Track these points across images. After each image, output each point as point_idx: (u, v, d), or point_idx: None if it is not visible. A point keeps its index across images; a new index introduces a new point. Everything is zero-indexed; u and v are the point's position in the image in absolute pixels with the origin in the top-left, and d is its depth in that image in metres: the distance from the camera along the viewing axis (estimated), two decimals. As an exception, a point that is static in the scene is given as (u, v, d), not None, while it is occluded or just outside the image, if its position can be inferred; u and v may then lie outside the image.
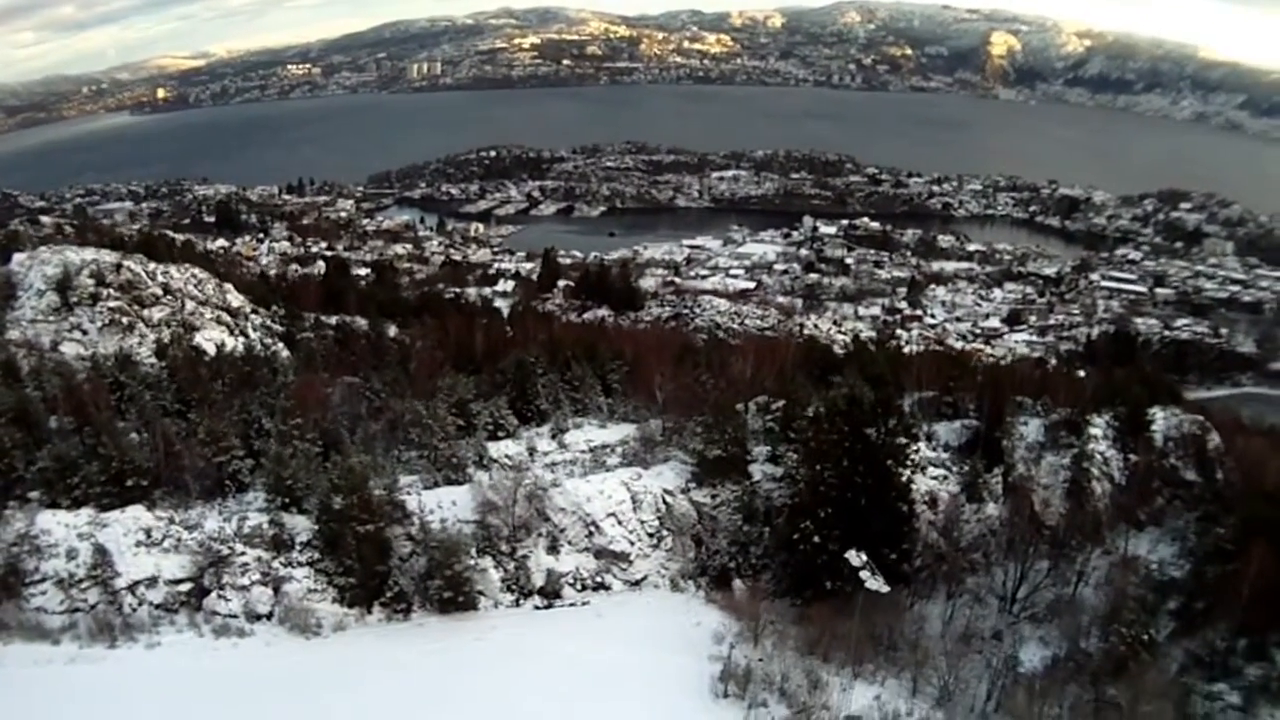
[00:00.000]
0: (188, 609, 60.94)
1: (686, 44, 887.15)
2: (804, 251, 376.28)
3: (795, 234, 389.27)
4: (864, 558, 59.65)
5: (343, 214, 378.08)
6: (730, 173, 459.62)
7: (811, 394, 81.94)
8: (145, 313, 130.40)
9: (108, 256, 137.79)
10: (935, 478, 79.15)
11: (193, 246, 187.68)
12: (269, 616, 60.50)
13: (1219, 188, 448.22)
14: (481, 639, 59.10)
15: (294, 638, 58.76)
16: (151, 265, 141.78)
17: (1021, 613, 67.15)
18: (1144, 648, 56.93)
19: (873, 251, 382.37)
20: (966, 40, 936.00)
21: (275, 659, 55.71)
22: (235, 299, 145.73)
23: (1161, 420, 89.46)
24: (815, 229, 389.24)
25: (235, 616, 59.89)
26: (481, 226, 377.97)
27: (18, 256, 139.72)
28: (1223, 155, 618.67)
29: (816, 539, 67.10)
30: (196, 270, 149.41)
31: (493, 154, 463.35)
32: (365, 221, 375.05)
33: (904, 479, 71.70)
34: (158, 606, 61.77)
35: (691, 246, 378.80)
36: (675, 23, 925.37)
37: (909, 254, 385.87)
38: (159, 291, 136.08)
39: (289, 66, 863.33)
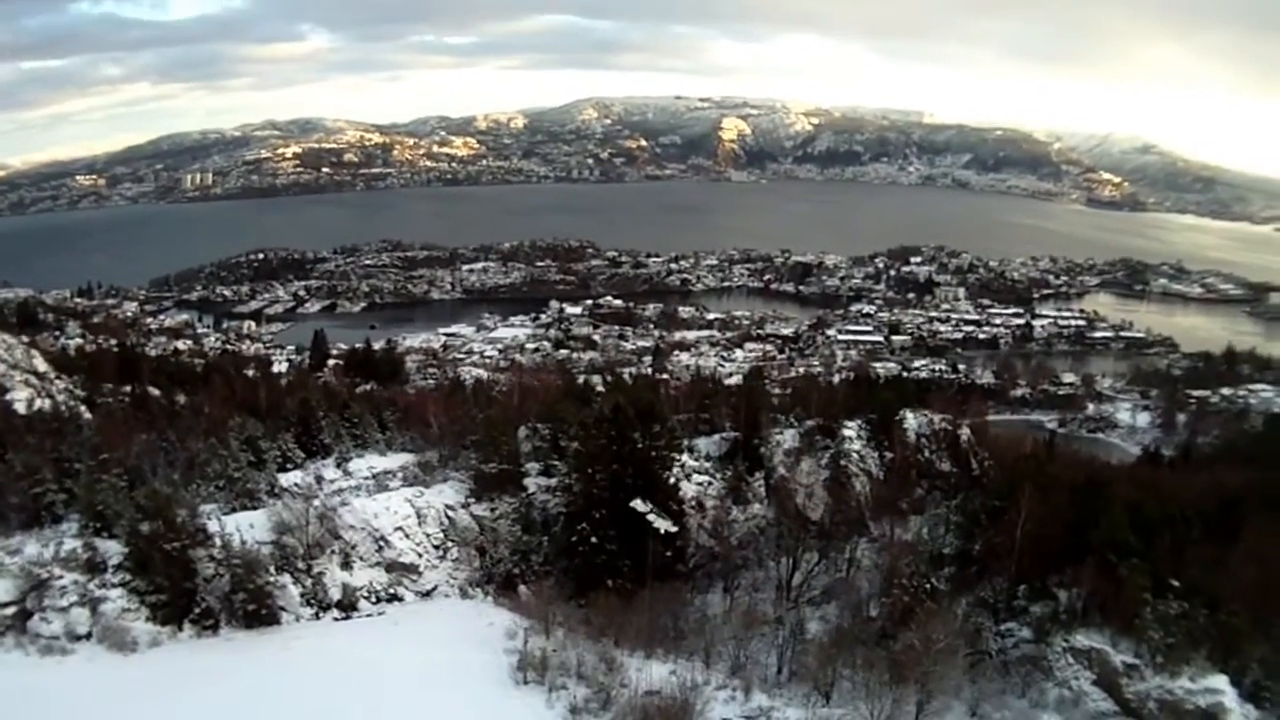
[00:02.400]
0: (14, 631, 62.70)
1: (436, 148, 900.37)
2: (553, 332, 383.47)
3: (543, 316, 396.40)
4: (648, 504, 64.35)
5: (128, 314, 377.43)
6: (480, 265, 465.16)
7: (577, 414, 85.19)
8: None
9: None
10: (700, 484, 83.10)
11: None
12: (89, 636, 62.34)
13: (948, 240, 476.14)
14: (287, 648, 61.24)
15: (113, 655, 60.60)
16: None
17: (799, 598, 70.72)
18: (927, 596, 62.14)
19: (617, 327, 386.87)
20: (699, 128, 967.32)
21: (96, 675, 57.44)
22: (41, 365, 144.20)
23: (913, 420, 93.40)
24: (562, 310, 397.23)
25: (58, 637, 61.63)
26: (254, 324, 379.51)
27: None
28: (951, 211, 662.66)
29: (594, 540, 71.17)
30: (7, 336, 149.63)
31: (261, 257, 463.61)
32: (149, 320, 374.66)
33: (671, 481, 76.59)
34: None
35: (447, 334, 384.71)
36: (425, 128, 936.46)
37: (652, 326, 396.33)
38: None
39: (78, 178, 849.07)
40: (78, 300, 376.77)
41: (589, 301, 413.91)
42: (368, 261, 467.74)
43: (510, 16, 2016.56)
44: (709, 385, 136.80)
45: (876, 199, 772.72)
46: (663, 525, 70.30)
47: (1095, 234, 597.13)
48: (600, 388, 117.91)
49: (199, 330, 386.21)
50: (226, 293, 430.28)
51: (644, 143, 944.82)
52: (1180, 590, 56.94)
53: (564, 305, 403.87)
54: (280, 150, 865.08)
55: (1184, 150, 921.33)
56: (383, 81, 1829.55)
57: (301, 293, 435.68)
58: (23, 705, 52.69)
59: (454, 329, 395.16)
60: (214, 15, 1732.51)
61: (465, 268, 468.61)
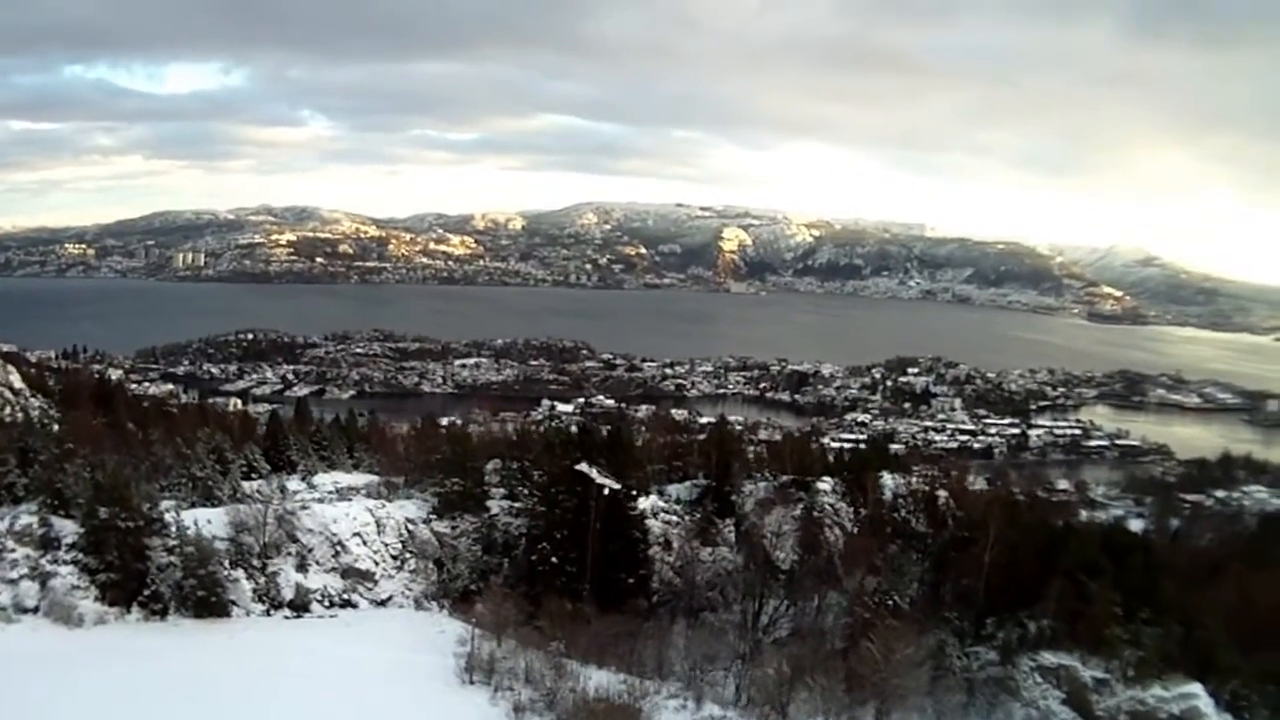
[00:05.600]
0: None
1: (432, 245, 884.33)
2: (544, 428, 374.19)
3: (534, 414, 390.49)
4: (599, 472, 63.31)
5: (113, 378, 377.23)
6: (472, 360, 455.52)
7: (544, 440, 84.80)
8: None
9: None
10: (668, 523, 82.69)
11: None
12: (35, 610, 61.36)
13: (946, 353, 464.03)
14: (234, 638, 60.32)
15: (58, 628, 59.64)
16: None
17: (763, 638, 69.27)
18: (889, 614, 60.80)
19: (609, 426, 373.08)
20: (700, 237, 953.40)
21: (38, 643, 56.57)
22: (18, 382, 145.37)
23: (890, 480, 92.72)
24: (553, 408, 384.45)
25: (4, 609, 60.64)
26: (239, 403, 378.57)
27: None
28: (951, 325, 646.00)
29: (554, 560, 70.56)
30: None
31: (250, 337, 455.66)
32: (133, 386, 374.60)
33: (636, 511, 75.76)
34: None
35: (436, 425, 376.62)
36: (422, 225, 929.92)
37: (643, 428, 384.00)
38: None
39: (67, 246, 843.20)
40: (63, 361, 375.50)
41: (581, 401, 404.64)
42: (359, 350, 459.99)
43: (513, 114, 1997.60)
44: (682, 435, 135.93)
45: (876, 312, 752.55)
46: (608, 484, 69.47)
47: (1095, 347, 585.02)
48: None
49: (183, 401, 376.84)
50: (214, 370, 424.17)
51: (643, 250, 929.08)
52: (1154, 608, 56.34)
53: (556, 404, 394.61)
54: (275, 236, 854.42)
55: (1186, 262, 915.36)
56: (381, 174, 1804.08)
57: (290, 376, 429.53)
58: None
59: (443, 421, 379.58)
60: (211, 93, 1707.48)
61: (458, 362, 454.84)
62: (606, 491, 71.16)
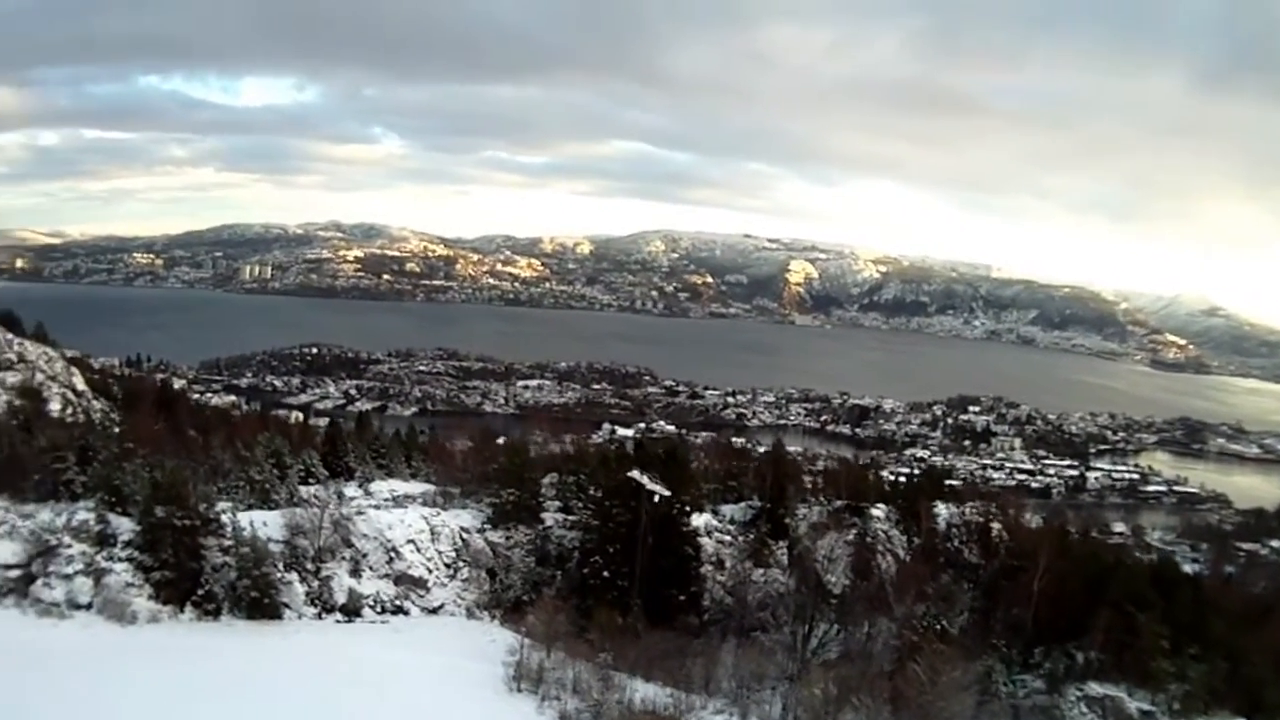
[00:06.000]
0: (16, 594, 62.26)
1: (500, 266, 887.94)
2: None
3: (595, 437, 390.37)
4: (650, 479, 63.27)
5: (176, 386, 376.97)
6: (535, 382, 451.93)
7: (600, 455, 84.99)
8: (1, 375, 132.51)
9: None
10: (721, 543, 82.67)
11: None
12: (89, 607, 61.87)
13: (1008, 393, 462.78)
14: (286, 639, 60.75)
15: (110, 624, 60.11)
16: (9, 335, 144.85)
17: (812, 659, 68.79)
18: (938, 637, 60.59)
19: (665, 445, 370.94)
20: (766, 268, 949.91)
21: (91, 638, 57.00)
22: (80, 384, 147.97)
23: (944, 510, 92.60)
24: (614, 432, 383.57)
25: (58, 604, 61.13)
26: (300, 416, 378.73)
27: None
28: (1013, 365, 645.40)
29: (606, 574, 70.55)
30: (49, 350, 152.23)
31: (314, 352, 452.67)
32: (195, 396, 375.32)
33: (689, 525, 75.90)
34: None
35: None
36: (490, 246, 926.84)
37: (703, 455, 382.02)
38: (14, 358, 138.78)
39: (135, 255, 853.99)
40: (127, 369, 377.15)
41: (642, 426, 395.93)
42: (422, 367, 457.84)
43: (584, 139, 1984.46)
44: (737, 455, 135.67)
45: (940, 350, 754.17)
46: (658, 490, 69.46)
47: (1157, 394, 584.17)
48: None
49: (244, 412, 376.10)
50: (277, 383, 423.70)
51: (710, 279, 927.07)
52: (1202, 644, 56.00)
53: (617, 428, 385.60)
54: (342, 252, 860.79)
55: (1250, 314, 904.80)
56: (451, 194, 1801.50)
57: (353, 391, 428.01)
58: (15, 659, 52.21)
59: (501, 441, 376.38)
60: (284, 108, 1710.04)
61: (521, 383, 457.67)
62: (657, 499, 71.19)
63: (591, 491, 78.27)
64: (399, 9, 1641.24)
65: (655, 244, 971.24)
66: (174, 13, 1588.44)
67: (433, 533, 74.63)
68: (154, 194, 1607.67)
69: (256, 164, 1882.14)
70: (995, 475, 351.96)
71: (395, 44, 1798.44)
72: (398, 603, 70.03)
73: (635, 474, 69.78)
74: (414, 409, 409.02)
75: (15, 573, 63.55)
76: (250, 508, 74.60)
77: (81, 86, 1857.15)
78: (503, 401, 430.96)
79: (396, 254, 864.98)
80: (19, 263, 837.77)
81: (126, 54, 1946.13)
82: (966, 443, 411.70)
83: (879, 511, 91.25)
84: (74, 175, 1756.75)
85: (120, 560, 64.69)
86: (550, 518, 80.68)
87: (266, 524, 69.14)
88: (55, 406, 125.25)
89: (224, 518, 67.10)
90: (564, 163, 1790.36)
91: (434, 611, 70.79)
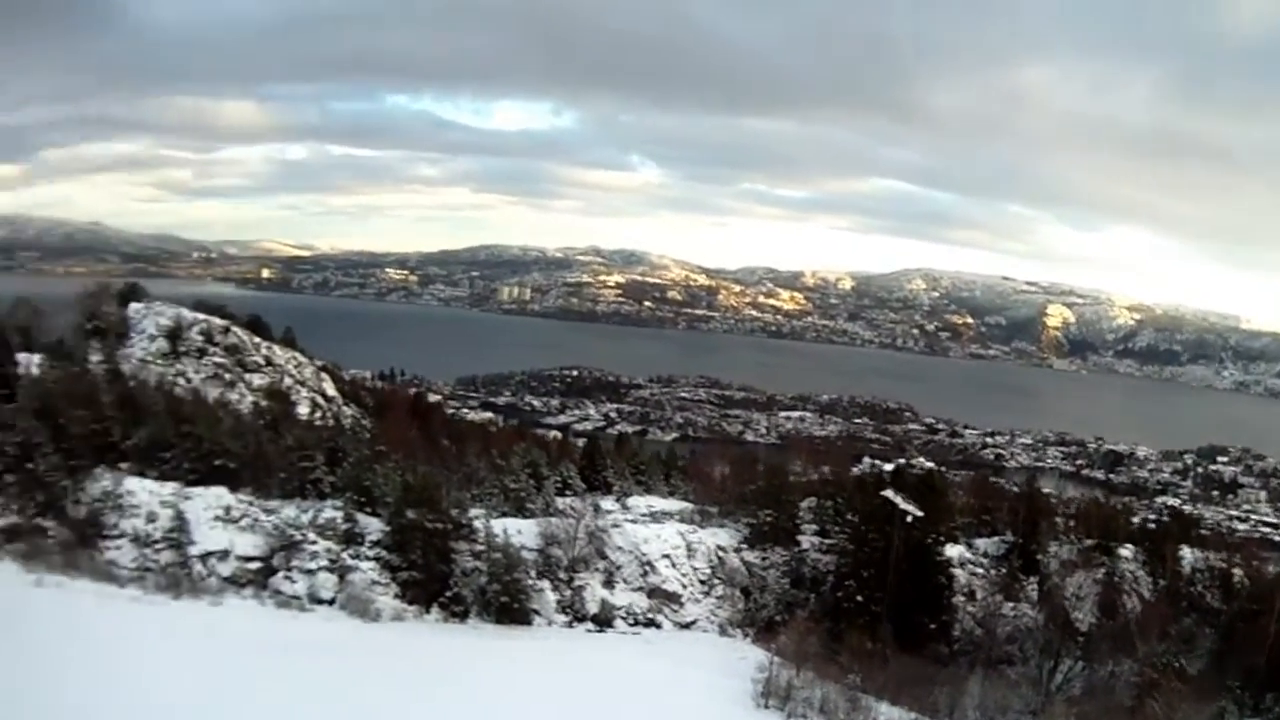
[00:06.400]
0: (254, 585, 63.18)
1: (761, 298, 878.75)
2: None
3: (855, 470, 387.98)
4: (903, 499, 61.85)
5: (431, 400, 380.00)
6: (796, 413, 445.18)
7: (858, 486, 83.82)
8: (247, 376, 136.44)
9: (217, 320, 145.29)
10: (973, 574, 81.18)
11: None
12: (331, 602, 62.48)
13: (1256, 445, 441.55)
14: (536, 643, 60.88)
15: (352, 620, 60.75)
16: (257, 339, 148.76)
17: (1056, 693, 67.18)
18: (1177, 676, 58.91)
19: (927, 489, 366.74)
20: (1024, 311, 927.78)
21: (331, 631, 57.62)
22: (330, 389, 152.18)
23: (1189, 554, 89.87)
24: (873, 465, 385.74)
25: (298, 597, 61.84)
26: (560, 435, 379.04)
27: (134, 305, 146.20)
28: (1261, 418, 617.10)
29: (859, 599, 69.48)
30: (299, 355, 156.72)
31: (575, 373, 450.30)
32: (451, 411, 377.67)
33: (942, 555, 74.74)
34: (225, 578, 64.07)
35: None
36: (751, 277, 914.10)
37: (960, 493, 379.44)
38: (261, 360, 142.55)
39: (388, 270, 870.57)
40: (379, 382, 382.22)
41: (901, 461, 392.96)
42: (683, 394, 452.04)
43: (843, 175, 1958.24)
44: (993, 493, 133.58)
45: (1191, 399, 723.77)
46: (910, 510, 68.30)
47: None
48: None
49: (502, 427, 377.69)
50: (535, 403, 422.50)
51: (969, 319, 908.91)
52: None
53: (876, 462, 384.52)
54: (603, 277, 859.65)
55: None
56: (710, 224, 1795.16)
57: (613, 414, 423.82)
58: (245, 639, 52.97)
59: (761, 466, 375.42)
60: (540, 132, 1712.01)
61: (782, 414, 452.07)
62: (910, 519, 70.10)
63: (848, 516, 77.62)
64: (656, 39, 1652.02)
65: (916, 282, 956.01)
66: (424, 35, 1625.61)
67: (689, 549, 74.68)
68: (406, 211, 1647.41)
69: (512, 186, 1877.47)
70: (1240, 527, 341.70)
71: (651, 73, 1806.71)
72: (650, 616, 70.09)
73: (889, 493, 68.38)
74: (674, 434, 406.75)
75: (255, 565, 64.77)
76: (504, 515, 75.20)
77: (327, 103, 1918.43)
78: (764, 430, 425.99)
79: (657, 281, 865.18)
80: (266, 273, 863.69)
81: (374, 73, 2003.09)
82: (1215, 492, 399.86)
83: (1126, 552, 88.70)
84: (321, 190, 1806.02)
85: (367, 559, 65.53)
86: (806, 540, 79.99)
87: (521, 532, 69.78)
88: (304, 410, 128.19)
89: (477, 523, 67.72)
90: (824, 198, 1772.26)
91: (686, 627, 70.71)
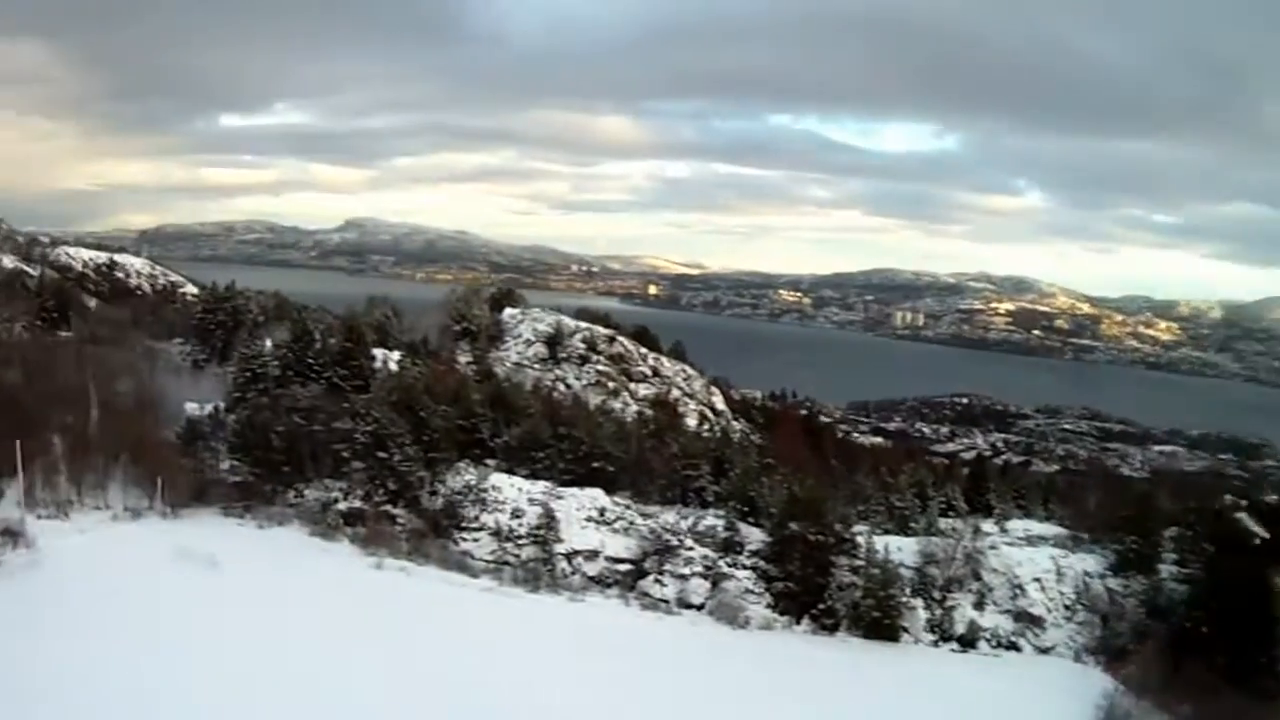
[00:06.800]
0: (620, 586, 64.92)
1: (1141, 328, 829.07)
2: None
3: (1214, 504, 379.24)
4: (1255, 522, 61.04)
5: (823, 422, 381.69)
6: (1169, 448, 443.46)
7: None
8: (632, 385, 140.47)
9: (601, 329, 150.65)
10: None
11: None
12: (700, 608, 64.00)
13: None
14: (899, 658, 63.94)
15: (719, 626, 61.98)
16: (644, 350, 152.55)
17: None
18: None
19: None
20: None
21: (696, 635, 59.47)
22: (720, 404, 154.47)
23: None
24: (1235, 503, 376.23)
25: (666, 601, 63.78)
26: (946, 461, 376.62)
27: (509, 310, 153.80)
28: None
29: (1204, 629, 67.33)
30: (688, 368, 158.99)
31: (965, 402, 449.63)
32: (840, 434, 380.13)
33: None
34: (590, 578, 66.15)
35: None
36: (1132, 306, 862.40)
37: None
38: (648, 371, 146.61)
39: (781, 292, 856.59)
40: (769, 401, 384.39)
41: (1261, 500, 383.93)
42: (1066, 426, 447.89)
43: (1210, 199, 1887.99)
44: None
45: None
46: (1258, 532, 69.49)
47: None
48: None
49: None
50: (925, 429, 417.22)
51: None
52: None
53: (1230, 496, 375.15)
54: (993, 304, 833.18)
55: None
56: (1091, 251, 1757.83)
57: (999, 444, 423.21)
58: (602, 632, 54.43)
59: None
60: (925, 154, 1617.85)
61: (1155, 448, 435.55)
62: (1257, 541, 70.58)
63: (1204, 545, 76.01)
64: (1031, 59, 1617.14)
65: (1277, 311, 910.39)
66: (805, 56, 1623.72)
67: (1058, 573, 74.50)
68: (798, 232, 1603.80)
69: (902, 209, 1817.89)
70: None
71: (1026, 95, 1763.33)
72: (1013, 638, 70.10)
73: (1242, 515, 66.03)
74: (1055, 467, 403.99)
75: (623, 567, 66.75)
76: (887, 533, 76.63)
77: (707, 121, 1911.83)
78: (1137, 464, 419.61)
79: (1046, 309, 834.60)
80: (653, 289, 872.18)
81: (753, 92, 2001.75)
82: None
83: None
84: (707, 208, 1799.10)
85: (743, 567, 67.42)
86: (1165, 570, 77.81)
87: (901, 550, 71.86)
88: (691, 421, 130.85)
89: (859, 539, 69.19)
90: (1191, 224, 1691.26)
91: (1045, 651, 70.26)
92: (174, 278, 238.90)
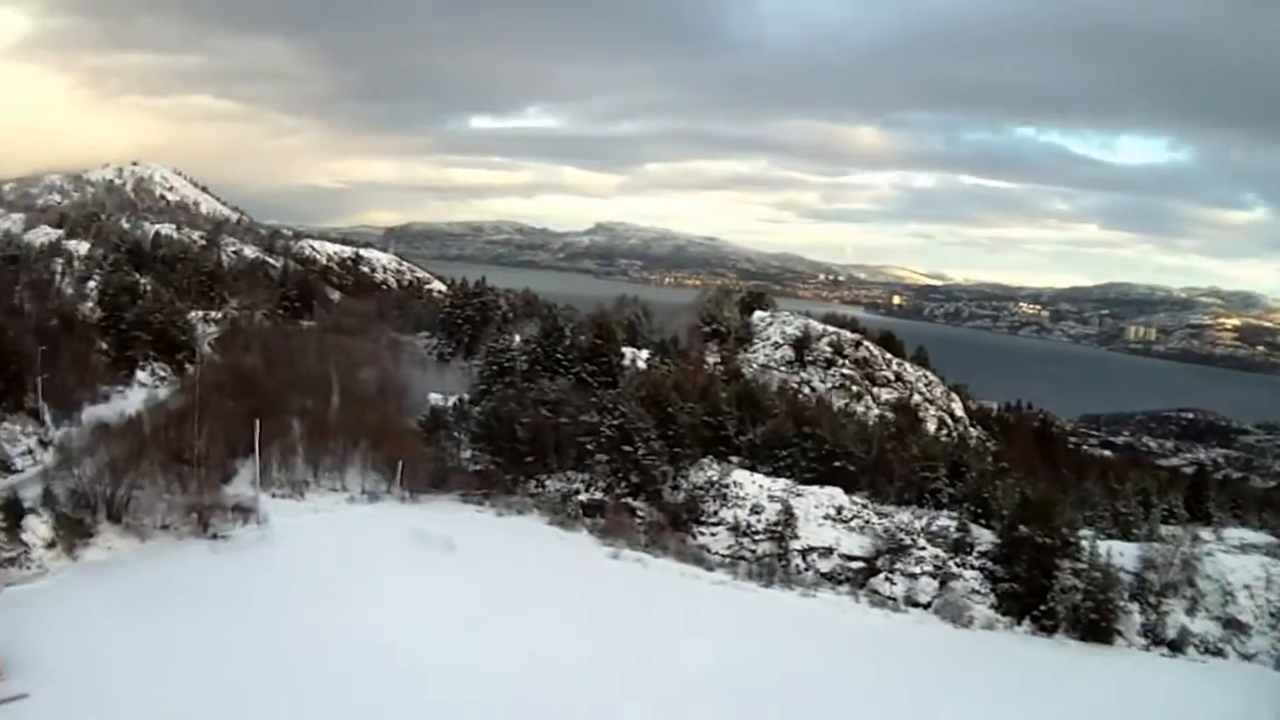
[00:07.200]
0: (851, 583, 67.35)
1: None
2: None
3: None
4: None
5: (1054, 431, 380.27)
6: None
7: None
8: (875, 389, 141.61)
9: (848, 334, 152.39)
10: None
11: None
12: (926, 606, 65.97)
13: None
14: (1110, 663, 65.55)
15: (943, 625, 63.95)
16: (889, 355, 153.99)
17: None
18: None
19: None
20: None
21: (923, 632, 61.56)
22: (959, 410, 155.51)
23: None
24: None
25: (894, 599, 66.06)
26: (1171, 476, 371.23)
27: (758, 313, 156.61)
28: None
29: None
30: (930, 374, 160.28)
31: (1190, 417, 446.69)
32: (1070, 445, 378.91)
33: None
34: (823, 574, 68.57)
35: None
36: None
37: None
38: (891, 376, 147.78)
39: (1020, 305, 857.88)
40: (1005, 412, 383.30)
41: None
42: None
43: None
44: None
45: None
46: None
47: None
48: None
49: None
50: (1151, 444, 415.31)
51: None
52: None
53: None
54: (1221, 319, 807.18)
55: None
56: None
57: (1220, 459, 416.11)
58: (852, 640, 56.96)
59: None
60: (1159, 167, 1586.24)
61: None
62: None
63: None
64: (1262, 70, 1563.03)
65: None
66: (1048, 69, 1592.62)
67: (1267, 581, 74.21)
68: (1037, 245, 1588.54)
69: (1135, 223, 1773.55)
70: None
71: (1259, 106, 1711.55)
72: (1219, 645, 70.32)
73: None
74: (1273, 483, 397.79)
75: (856, 564, 69.24)
76: (1110, 538, 77.78)
77: (953, 132, 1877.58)
78: None
79: (1270, 325, 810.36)
80: (896, 299, 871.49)
81: (999, 104, 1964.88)
82: None
83: None
84: (952, 220, 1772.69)
85: (971, 568, 69.54)
86: None
87: (1121, 554, 73.55)
88: (930, 426, 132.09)
89: (1084, 543, 70.36)
90: None
91: (1249, 658, 70.28)
92: (420, 274, 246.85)
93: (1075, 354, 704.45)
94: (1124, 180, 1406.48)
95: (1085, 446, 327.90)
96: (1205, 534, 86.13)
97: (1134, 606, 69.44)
